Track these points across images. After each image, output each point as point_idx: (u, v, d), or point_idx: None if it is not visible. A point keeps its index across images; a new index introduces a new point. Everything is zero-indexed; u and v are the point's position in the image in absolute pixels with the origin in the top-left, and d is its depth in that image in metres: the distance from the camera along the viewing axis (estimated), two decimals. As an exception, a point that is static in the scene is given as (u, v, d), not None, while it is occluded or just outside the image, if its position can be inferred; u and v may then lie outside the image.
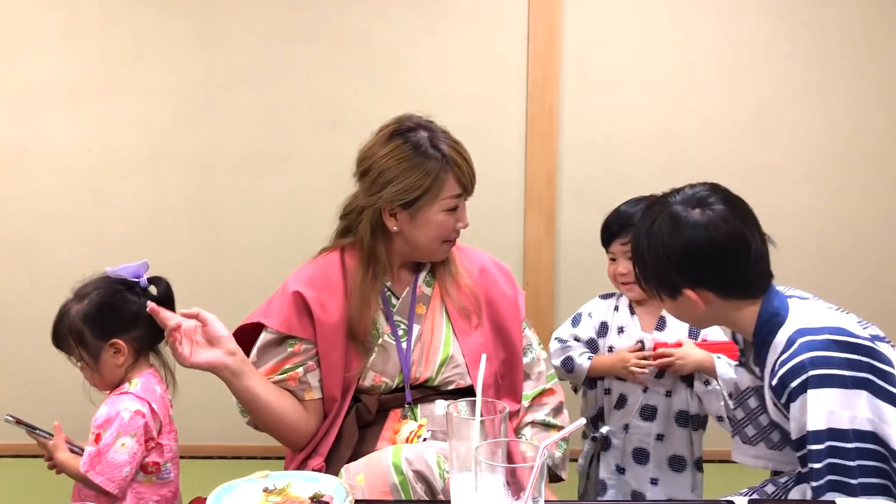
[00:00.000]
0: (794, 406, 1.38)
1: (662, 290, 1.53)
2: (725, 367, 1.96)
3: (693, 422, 2.08)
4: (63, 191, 3.17)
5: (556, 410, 1.90)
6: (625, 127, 3.12)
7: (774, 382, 1.41)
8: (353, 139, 1.78)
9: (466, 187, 1.72)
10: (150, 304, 1.59)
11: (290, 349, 1.72)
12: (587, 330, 2.15)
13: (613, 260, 2.10)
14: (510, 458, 1.32)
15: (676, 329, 2.07)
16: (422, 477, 1.47)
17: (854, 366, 1.37)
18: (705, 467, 2.16)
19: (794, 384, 1.37)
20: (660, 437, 2.07)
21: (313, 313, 1.70)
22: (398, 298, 1.78)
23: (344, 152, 1.83)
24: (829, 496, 1.34)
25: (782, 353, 1.41)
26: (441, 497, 1.47)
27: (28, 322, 3.14)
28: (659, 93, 3.11)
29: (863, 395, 1.35)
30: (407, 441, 1.66)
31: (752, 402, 1.66)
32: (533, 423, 1.86)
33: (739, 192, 1.54)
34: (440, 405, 1.73)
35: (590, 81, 3.10)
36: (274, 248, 3.14)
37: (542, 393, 1.89)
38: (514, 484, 1.10)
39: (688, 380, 2.05)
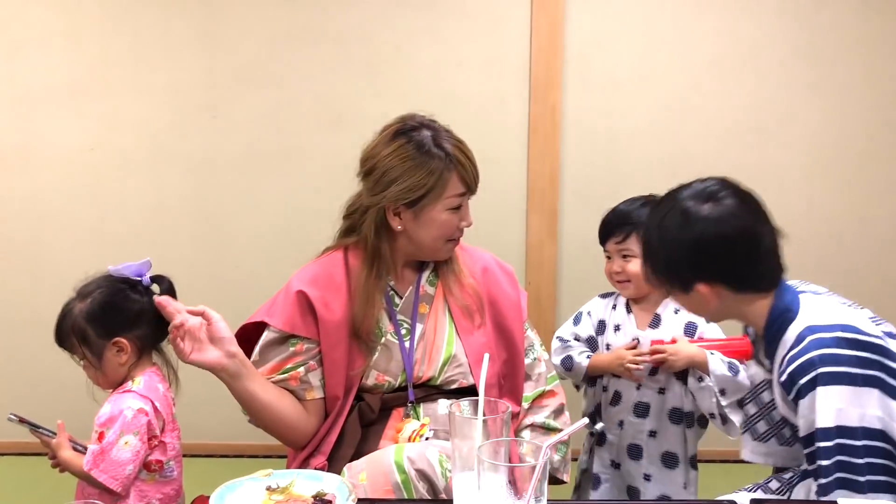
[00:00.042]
0: (802, 403, 1.38)
1: (674, 285, 1.53)
2: (718, 363, 1.96)
3: (686, 419, 2.08)
4: (65, 190, 3.17)
5: (557, 412, 1.90)
6: (627, 126, 3.12)
7: (783, 378, 1.41)
8: (355, 138, 1.78)
9: (470, 186, 1.72)
10: (158, 298, 1.60)
11: (292, 348, 1.73)
12: (587, 328, 2.17)
13: (609, 258, 2.11)
14: (511, 458, 1.32)
15: (671, 327, 2.08)
16: (424, 476, 1.47)
17: (864, 363, 1.37)
18: (703, 466, 2.16)
19: (803, 381, 1.37)
20: (652, 434, 2.08)
21: (317, 312, 1.70)
22: (401, 297, 1.79)
23: (346, 151, 1.84)
24: (836, 493, 1.34)
25: (791, 348, 1.41)
26: (443, 496, 1.47)
27: (31, 321, 3.14)
28: (661, 92, 3.11)
29: (873, 393, 1.36)
30: (409, 440, 1.66)
31: (767, 396, 1.66)
32: (532, 426, 1.86)
33: (743, 192, 1.54)
34: (443, 404, 1.73)
35: (592, 81, 3.10)
36: (276, 247, 3.14)
37: (543, 395, 1.90)
38: (517, 483, 1.10)
39: (682, 377, 2.06)
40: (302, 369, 1.72)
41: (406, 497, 1.45)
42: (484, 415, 1.22)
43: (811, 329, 1.41)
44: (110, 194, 3.18)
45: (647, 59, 3.10)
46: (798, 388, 1.38)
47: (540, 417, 1.87)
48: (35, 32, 3.11)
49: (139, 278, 1.71)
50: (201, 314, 1.60)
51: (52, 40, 3.11)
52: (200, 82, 3.12)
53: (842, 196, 3.15)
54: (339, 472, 1.53)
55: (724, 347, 2.00)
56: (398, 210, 1.70)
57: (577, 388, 2.22)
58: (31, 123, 3.15)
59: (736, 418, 1.98)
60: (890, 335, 1.44)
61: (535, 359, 1.90)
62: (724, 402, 1.97)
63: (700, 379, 2.00)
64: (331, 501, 1.26)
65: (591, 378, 2.16)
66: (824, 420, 1.35)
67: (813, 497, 1.42)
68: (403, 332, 1.76)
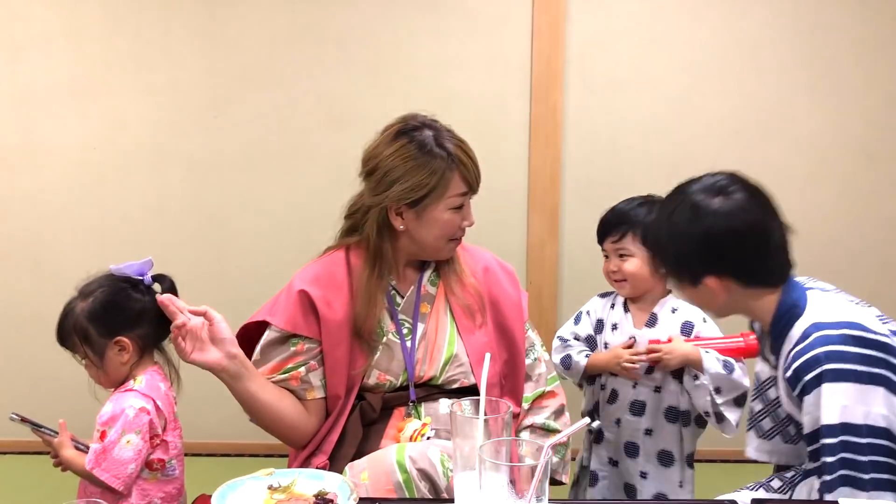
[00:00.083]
0: (807, 399, 1.38)
1: (683, 278, 1.53)
2: (713, 361, 1.97)
3: (682, 418, 2.08)
4: (67, 189, 3.18)
5: (557, 413, 1.90)
6: (629, 127, 3.12)
7: (788, 374, 1.42)
8: (357, 138, 1.78)
9: (472, 185, 1.72)
10: (160, 297, 1.60)
11: (293, 348, 1.73)
12: (586, 328, 2.17)
13: (607, 257, 2.11)
14: (512, 458, 1.32)
15: (668, 326, 2.08)
16: (425, 475, 1.47)
17: (869, 361, 1.37)
18: (702, 466, 2.16)
19: (808, 377, 1.38)
20: (648, 432, 2.08)
21: (319, 311, 1.71)
22: (403, 297, 1.79)
23: (348, 151, 1.84)
24: (839, 491, 1.34)
25: (797, 344, 1.41)
26: (445, 495, 1.47)
27: (32, 320, 3.15)
28: (663, 93, 3.11)
29: (879, 392, 1.36)
30: (411, 439, 1.66)
31: (772, 393, 1.67)
32: (532, 428, 1.86)
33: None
34: (444, 404, 1.73)
35: (594, 81, 3.10)
36: (278, 246, 3.15)
37: (543, 395, 1.89)
38: (518, 483, 1.11)
39: (678, 376, 2.06)
40: (303, 369, 1.72)
41: (407, 496, 1.45)
42: (485, 414, 1.22)
43: (817, 326, 1.41)
44: (112, 194, 3.18)
45: (648, 59, 3.10)
46: (803, 384, 1.38)
47: (540, 418, 1.87)
48: (37, 32, 3.11)
49: (141, 277, 1.71)
50: (203, 314, 1.60)
51: (54, 40, 3.11)
52: (202, 82, 3.13)
53: (842, 196, 3.15)
54: (340, 472, 1.53)
55: (720, 346, 2.00)
56: (400, 210, 1.70)
57: (580, 386, 2.22)
58: (32, 123, 3.15)
59: (732, 416, 1.98)
60: None
61: (535, 359, 1.90)
62: (719, 401, 1.98)
63: (695, 377, 2.01)
64: (332, 501, 1.26)
65: (590, 377, 2.17)
66: (829, 417, 1.35)
67: (815, 496, 1.42)
68: (405, 331, 1.76)
